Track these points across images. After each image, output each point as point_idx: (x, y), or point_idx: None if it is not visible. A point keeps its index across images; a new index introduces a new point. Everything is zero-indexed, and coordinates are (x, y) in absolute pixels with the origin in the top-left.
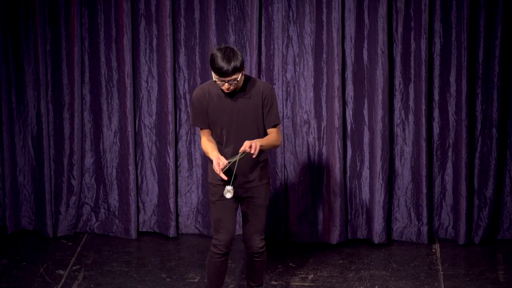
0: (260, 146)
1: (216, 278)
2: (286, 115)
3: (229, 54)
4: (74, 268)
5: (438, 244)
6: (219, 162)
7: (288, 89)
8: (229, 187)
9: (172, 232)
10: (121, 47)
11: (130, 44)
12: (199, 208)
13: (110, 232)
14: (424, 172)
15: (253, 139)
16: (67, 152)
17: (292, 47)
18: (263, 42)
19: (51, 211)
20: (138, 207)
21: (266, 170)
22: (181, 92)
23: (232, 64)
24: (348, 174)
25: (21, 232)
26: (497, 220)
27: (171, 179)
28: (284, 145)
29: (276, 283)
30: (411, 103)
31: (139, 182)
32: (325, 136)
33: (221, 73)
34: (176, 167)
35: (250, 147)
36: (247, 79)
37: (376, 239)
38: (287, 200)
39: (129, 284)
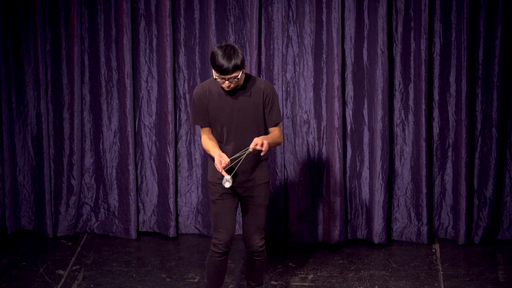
0: (268, 141)
1: (216, 277)
2: (286, 115)
3: (229, 52)
4: (74, 268)
5: (438, 244)
6: (221, 160)
7: (288, 89)
8: (228, 177)
9: (172, 232)
10: (121, 47)
11: (130, 44)
12: (199, 208)
13: (110, 232)
14: (424, 172)
15: (253, 137)
16: (67, 152)
17: (292, 47)
18: (263, 42)
19: (51, 211)
20: (138, 207)
21: (266, 169)
22: (181, 92)
23: (233, 62)
24: (348, 174)
25: (21, 232)
26: (497, 220)
27: (171, 179)
28: (284, 145)
29: (276, 283)
30: (411, 103)
31: (139, 182)
32: (325, 136)
33: (222, 70)
34: (176, 167)
35: (260, 144)
36: (248, 77)
37: (376, 239)
38: (287, 200)
39: (129, 284)
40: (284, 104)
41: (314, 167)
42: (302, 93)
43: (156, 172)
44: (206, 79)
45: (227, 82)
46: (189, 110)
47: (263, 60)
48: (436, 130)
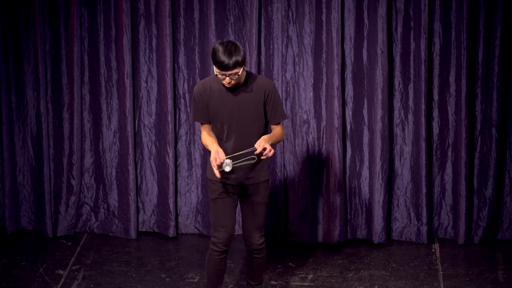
0: (272, 142)
1: (216, 276)
2: (286, 114)
3: (230, 48)
4: (73, 268)
5: (437, 244)
6: (216, 157)
7: (288, 89)
8: (228, 161)
9: (171, 232)
10: (120, 47)
11: (129, 44)
12: (199, 208)
13: (109, 232)
14: (423, 172)
15: (253, 134)
16: (66, 152)
17: (292, 47)
18: (262, 42)
19: (50, 211)
20: (137, 207)
21: (266, 168)
22: (181, 92)
23: (234, 58)
24: (347, 174)
25: (21, 232)
26: (496, 220)
27: (171, 179)
28: (283, 145)
29: (275, 283)
30: (410, 103)
31: (139, 182)
32: (324, 136)
33: (222, 66)
34: (176, 167)
35: (269, 150)
36: (249, 75)
37: (375, 239)
38: (286, 200)
39: (129, 284)
40: (283, 104)
41: (314, 167)
42: (301, 93)
43: (156, 172)
44: None
45: (227, 78)
46: (189, 110)
47: (262, 60)
48: (435, 130)
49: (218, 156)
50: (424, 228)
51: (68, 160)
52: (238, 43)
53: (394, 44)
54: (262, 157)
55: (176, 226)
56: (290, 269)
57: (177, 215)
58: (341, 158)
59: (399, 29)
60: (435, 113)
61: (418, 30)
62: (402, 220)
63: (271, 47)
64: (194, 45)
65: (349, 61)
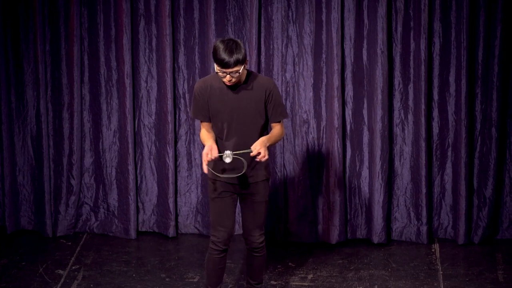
0: (270, 143)
1: (215, 275)
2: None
3: (231, 46)
4: (73, 268)
5: (437, 244)
6: (208, 153)
7: (288, 89)
8: (228, 152)
9: (171, 232)
10: (120, 47)
11: (129, 44)
12: (199, 208)
13: (109, 232)
14: (423, 172)
15: (254, 133)
16: (66, 152)
17: (292, 47)
18: (262, 42)
19: (50, 211)
20: (137, 207)
21: (266, 166)
22: (181, 92)
23: (234, 56)
24: (347, 174)
25: (21, 232)
26: (496, 220)
27: (171, 179)
28: (283, 145)
29: (275, 283)
30: (410, 103)
31: (139, 182)
32: (324, 136)
33: (223, 64)
34: (176, 167)
35: (263, 156)
36: (249, 74)
37: (375, 239)
38: (286, 200)
39: (129, 284)
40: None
41: (314, 167)
42: (301, 93)
43: (155, 172)
44: None
45: (228, 76)
46: (188, 110)
47: (262, 60)
48: (435, 130)
49: (210, 152)
50: (424, 228)
51: (68, 160)
52: (239, 41)
53: (394, 44)
54: (256, 159)
55: (176, 226)
56: (290, 269)
57: (177, 215)
58: (341, 158)
59: (399, 29)
60: (435, 113)
61: (418, 30)
62: (402, 220)
63: (271, 47)
64: (194, 45)
65: (349, 61)
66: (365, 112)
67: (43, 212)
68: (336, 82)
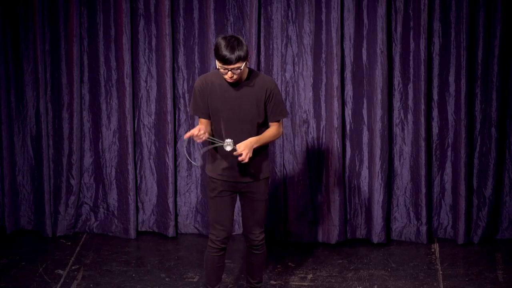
0: (259, 145)
1: (214, 274)
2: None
3: (233, 42)
4: (73, 267)
5: (437, 244)
6: (199, 129)
7: (287, 88)
8: (228, 140)
9: (171, 232)
10: (120, 46)
11: (129, 43)
12: (198, 207)
13: (109, 231)
14: (423, 172)
15: (252, 131)
16: (66, 151)
17: (291, 46)
18: (262, 42)
19: (50, 210)
20: (137, 206)
21: (266, 164)
22: (180, 92)
23: (236, 53)
24: (347, 174)
25: (20, 231)
26: (496, 219)
27: (170, 179)
28: (283, 144)
29: (275, 282)
30: (410, 102)
31: (138, 181)
32: (324, 135)
33: (225, 60)
34: (175, 166)
35: (244, 157)
36: (251, 72)
37: (375, 239)
38: (286, 200)
39: (128, 284)
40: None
41: (313, 167)
42: (301, 93)
43: (155, 171)
44: None
45: (230, 73)
46: (188, 110)
47: (262, 59)
48: (435, 130)
49: (199, 132)
50: (423, 228)
51: (68, 160)
52: (241, 37)
53: (393, 44)
54: (238, 158)
55: (176, 226)
56: (290, 269)
57: (176, 215)
58: (341, 158)
59: (399, 29)
60: (435, 113)
61: (417, 30)
62: (401, 220)
63: (271, 47)
64: (194, 45)
65: (348, 61)
66: (364, 112)
67: (43, 212)
68: (335, 82)
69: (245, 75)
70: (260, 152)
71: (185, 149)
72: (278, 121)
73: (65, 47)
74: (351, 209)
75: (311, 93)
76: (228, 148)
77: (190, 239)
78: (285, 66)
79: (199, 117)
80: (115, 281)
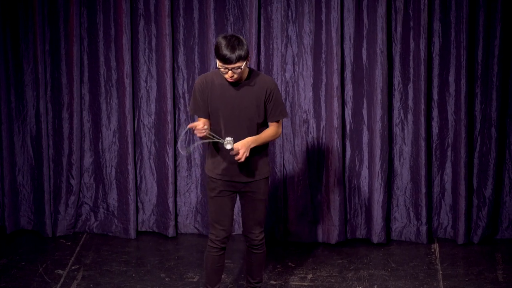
0: (256, 145)
1: (214, 273)
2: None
3: (234, 42)
4: (73, 267)
5: (437, 244)
6: (202, 125)
7: (287, 88)
8: (229, 138)
9: (171, 232)
10: (120, 46)
11: (129, 43)
12: (198, 207)
13: (109, 231)
14: (423, 172)
15: (251, 131)
16: (66, 151)
17: (291, 46)
18: (262, 42)
19: (50, 210)
20: (137, 206)
21: (266, 164)
22: (180, 92)
23: (237, 52)
24: (347, 174)
25: (20, 231)
26: (496, 219)
27: (170, 179)
28: (283, 144)
29: (275, 282)
30: (410, 102)
31: (138, 181)
32: (324, 135)
33: (225, 60)
34: (175, 166)
35: (240, 157)
36: (251, 71)
37: (375, 239)
38: (286, 200)
39: (128, 284)
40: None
41: (313, 167)
42: (301, 93)
43: (155, 171)
44: None
45: (230, 72)
46: (188, 110)
47: (262, 59)
48: (435, 130)
49: (204, 125)
50: (423, 228)
51: (68, 160)
52: (241, 37)
53: (393, 44)
54: (234, 158)
55: (176, 226)
56: (290, 269)
57: (176, 215)
58: (341, 158)
59: (399, 29)
60: (435, 113)
61: (417, 30)
62: (401, 220)
63: (271, 47)
64: (194, 45)
65: (348, 61)
66: (364, 112)
67: (43, 212)
68: (335, 81)
69: (245, 75)
70: (260, 151)
71: (179, 137)
72: (277, 121)
73: (65, 47)
74: (351, 209)
75: (311, 93)
76: (228, 146)
77: (190, 239)
78: (285, 66)
79: (198, 117)
80: (115, 281)
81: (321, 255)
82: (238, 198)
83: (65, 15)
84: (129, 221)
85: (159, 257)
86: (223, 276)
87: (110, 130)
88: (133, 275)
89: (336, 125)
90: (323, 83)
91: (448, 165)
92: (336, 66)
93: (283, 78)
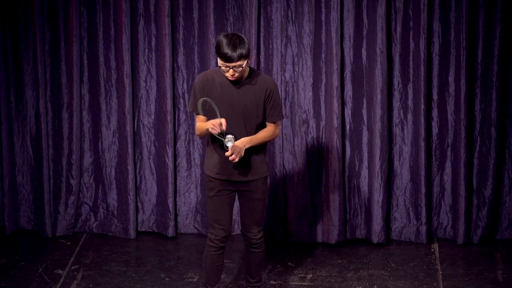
0: (251, 145)
1: (213, 272)
2: (285, 114)
3: (235, 40)
4: (73, 267)
5: (437, 244)
6: (215, 124)
7: (287, 88)
8: (230, 136)
9: (170, 232)
10: (120, 46)
11: (129, 43)
12: (198, 207)
13: (109, 231)
14: (423, 172)
15: (249, 130)
16: (66, 151)
17: (291, 46)
18: (262, 42)
19: (50, 210)
20: (137, 206)
21: (264, 164)
22: (180, 92)
23: (238, 50)
24: (347, 174)
25: (20, 231)
26: (495, 219)
27: (170, 179)
28: (283, 144)
29: (275, 282)
30: (410, 102)
31: (138, 181)
32: (323, 135)
33: (226, 58)
34: (175, 166)
35: (235, 157)
36: (252, 71)
37: (375, 239)
38: (286, 200)
39: (128, 284)
40: (283, 103)
41: (313, 167)
42: (301, 93)
43: (155, 171)
44: None
45: (231, 70)
46: (188, 110)
47: (262, 59)
48: (435, 130)
49: (216, 123)
50: (423, 228)
51: (67, 160)
52: (243, 35)
53: (393, 44)
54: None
55: (175, 225)
56: (289, 269)
57: (176, 215)
58: (340, 158)
59: (398, 29)
60: (434, 113)
61: (417, 30)
62: (401, 220)
63: (270, 47)
64: (193, 45)
65: (348, 61)
66: (364, 112)
67: (43, 212)
68: (335, 82)
69: (246, 74)
70: (258, 151)
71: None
72: (274, 122)
73: (64, 47)
74: (351, 209)
75: (310, 93)
76: (229, 144)
77: (189, 239)
78: (284, 66)
79: (196, 114)
80: (114, 281)
81: (321, 255)
82: (237, 197)
83: (65, 15)
84: (128, 221)
85: (159, 257)
86: (222, 276)
87: (110, 130)
88: (133, 275)
89: (336, 125)
90: (323, 83)
91: (448, 165)
92: (335, 66)
93: (282, 78)
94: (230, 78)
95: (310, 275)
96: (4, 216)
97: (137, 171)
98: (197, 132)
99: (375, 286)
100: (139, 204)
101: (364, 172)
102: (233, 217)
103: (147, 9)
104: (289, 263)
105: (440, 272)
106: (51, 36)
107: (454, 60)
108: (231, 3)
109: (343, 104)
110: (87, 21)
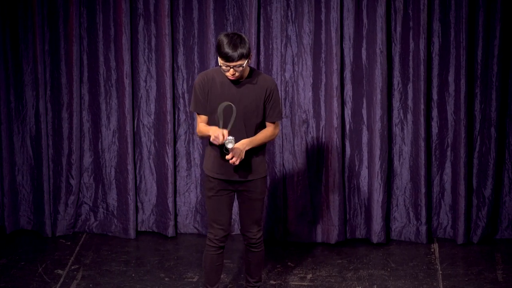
0: (252, 146)
1: (213, 272)
2: (285, 114)
3: (236, 40)
4: (72, 267)
5: (436, 244)
6: (222, 135)
7: (287, 88)
8: (230, 138)
9: (170, 232)
10: (119, 46)
11: (128, 43)
12: (198, 207)
13: (108, 231)
14: (422, 172)
15: (249, 130)
16: (65, 151)
17: (291, 46)
18: (261, 42)
19: (49, 210)
20: (136, 206)
21: (263, 163)
22: (180, 92)
23: (239, 50)
24: (346, 174)
25: (20, 231)
26: (495, 219)
27: (170, 179)
28: (282, 144)
29: (274, 282)
30: (409, 102)
31: (138, 181)
32: (323, 135)
33: (227, 57)
34: (175, 166)
35: (235, 160)
36: (252, 70)
37: (374, 239)
38: (285, 200)
39: (128, 284)
40: (283, 103)
41: (313, 167)
42: (301, 93)
43: (155, 171)
44: None
45: (232, 70)
46: (188, 110)
47: (262, 59)
48: (435, 130)
49: (219, 134)
50: (423, 228)
51: (67, 159)
52: (243, 35)
53: (393, 44)
54: (229, 161)
55: (175, 225)
56: (289, 269)
57: (176, 215)
58: (340, 158)
59: (398, 29)
60: (434, 112)
61: (417, 30)
62: (401, 220)
63: (270, 47)
64: (193, 44)
65: (348, 61)
66: (364, 111)
67: (42, 212)
68: (335, 81)
69: (246, 73)
70: (257, 151)
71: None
72: (273, 122)
73: (64, 47)
74: (351, 209)
75: (310, 93)
76: (230, 146)
77: (189, 239)
78: (284, 66)
79: (198, 114)
80: (114, 281)
81: (321, 255)
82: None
83: (64, 15)
84: (128, 221)
85: (159, 257)
86: (222, 276)
87: (110, 130)
88: (133, 275)
89: (336, 125)
90: (323, 83)
91: (448, 165)
92: (335, 66)
93: (282, 78)
94: (231, 78)
95: (310, 275)
96: (4, 216)
97: (137, 171)
98: (198, 133)
99: (375, 286)
100: (139, 204)
101: (364, 172)
102: (233, 216)
103: (147, 9)
104: (289, 263)
105: (440, 272)
106: (51, 36)
107: (454, 60)
108: (231, 3)
109: (343, 104)
110: (87, 21)
